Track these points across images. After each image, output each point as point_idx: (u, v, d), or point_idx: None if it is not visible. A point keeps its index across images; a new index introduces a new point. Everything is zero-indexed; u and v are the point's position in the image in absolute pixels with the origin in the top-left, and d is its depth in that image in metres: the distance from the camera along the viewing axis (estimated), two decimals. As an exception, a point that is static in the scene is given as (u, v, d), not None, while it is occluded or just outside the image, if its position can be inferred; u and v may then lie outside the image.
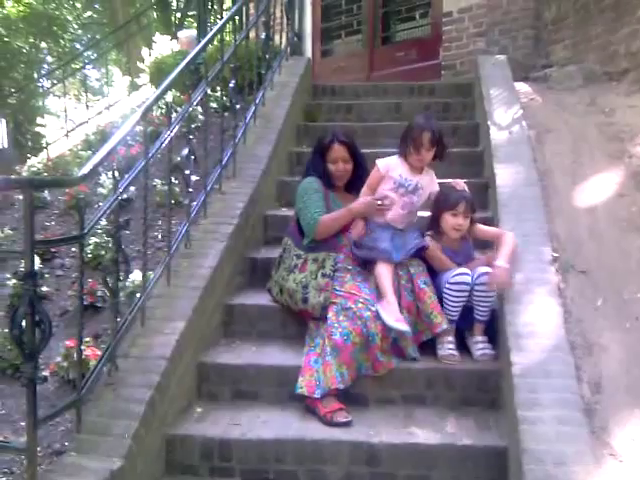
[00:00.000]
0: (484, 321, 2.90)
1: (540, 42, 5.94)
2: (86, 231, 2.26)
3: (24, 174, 4.95)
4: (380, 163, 3.08)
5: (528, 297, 2.79)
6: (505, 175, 3.67)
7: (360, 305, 2.83)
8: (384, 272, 2.91)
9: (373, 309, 2.83)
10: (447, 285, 2.86)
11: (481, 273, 2.84)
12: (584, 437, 2.18)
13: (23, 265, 2.03)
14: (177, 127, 3.13)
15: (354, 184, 3.29)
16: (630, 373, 2.48)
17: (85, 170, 2.27)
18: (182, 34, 7.67)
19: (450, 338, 2.89)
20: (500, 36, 6.08)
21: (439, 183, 3.18)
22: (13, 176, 4.59)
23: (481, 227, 3.09)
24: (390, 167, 3.06)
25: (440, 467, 2.46)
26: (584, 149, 3.96)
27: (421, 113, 3.43)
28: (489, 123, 4.26)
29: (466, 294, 2.85)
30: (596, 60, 5.16)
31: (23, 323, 1.95)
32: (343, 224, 3.11)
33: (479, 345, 2.87)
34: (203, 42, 3.76)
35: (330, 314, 2.85)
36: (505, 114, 4.35)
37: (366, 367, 2.79)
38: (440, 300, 2.92)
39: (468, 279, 2.85)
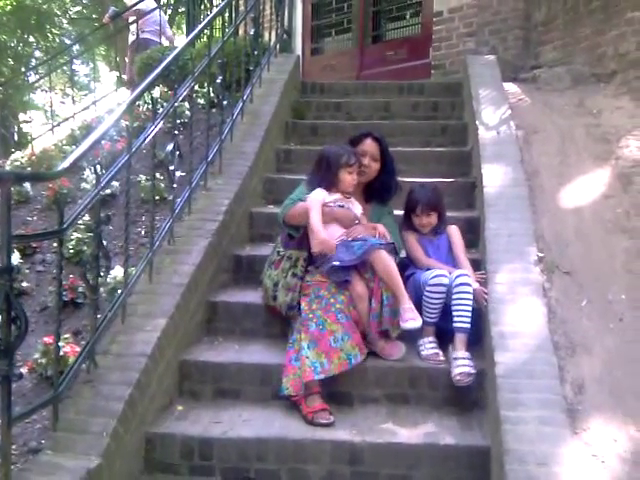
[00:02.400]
0: (465, 330, 2.78)
1: (529, 43, 5.95)
2: (65, 226, 2.21)
3: (7, 168, 4.87)
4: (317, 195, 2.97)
5: (512, 297, 2.79)
6: (492, 175, 3.67)
7: (333, 290, 2.84)
8: (359, 297, 2.85)
9: (347, 293, 2.84)
10: (427, 288, 2.86)
11: (458, 275, 2.86)
12: (566, 438, 2.18)
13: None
14: (162, 122, 3.09)
15: (377, 194, 3.19)
16: (613, 374, 2.48)
17: (65, 164, 2.23)
18: None
19: (431, 338, 2.88)
20: (490, 36, 6.08)
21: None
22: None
23: (455, 238, 3.20)
24: (325, 198, 2.99)
25: (422, 467, 2.45)
26: (571, 150, 3.97)
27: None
28: (477, 123, 4.26)
29: (444, 295, 2.85)
30: (585, 62, 5.17)
31: (-2, 319, 1.90)
32: (315, 220, 2.89)
33: (458, 362, 2.69)
34: (190, 37, 3.74)
35: (303, 304, 2.85)
36: (493, 114, 4.35)
37: (354, 355, 2.73)
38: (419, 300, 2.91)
39: (446, 280, 2.86)
